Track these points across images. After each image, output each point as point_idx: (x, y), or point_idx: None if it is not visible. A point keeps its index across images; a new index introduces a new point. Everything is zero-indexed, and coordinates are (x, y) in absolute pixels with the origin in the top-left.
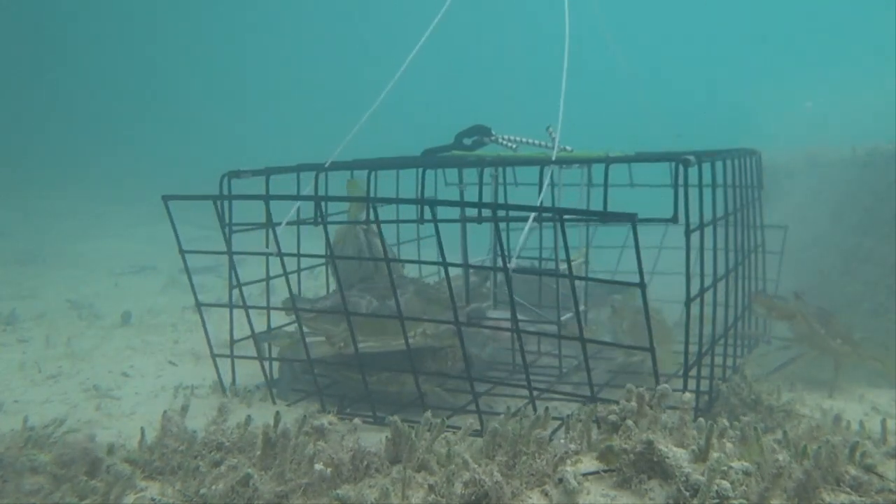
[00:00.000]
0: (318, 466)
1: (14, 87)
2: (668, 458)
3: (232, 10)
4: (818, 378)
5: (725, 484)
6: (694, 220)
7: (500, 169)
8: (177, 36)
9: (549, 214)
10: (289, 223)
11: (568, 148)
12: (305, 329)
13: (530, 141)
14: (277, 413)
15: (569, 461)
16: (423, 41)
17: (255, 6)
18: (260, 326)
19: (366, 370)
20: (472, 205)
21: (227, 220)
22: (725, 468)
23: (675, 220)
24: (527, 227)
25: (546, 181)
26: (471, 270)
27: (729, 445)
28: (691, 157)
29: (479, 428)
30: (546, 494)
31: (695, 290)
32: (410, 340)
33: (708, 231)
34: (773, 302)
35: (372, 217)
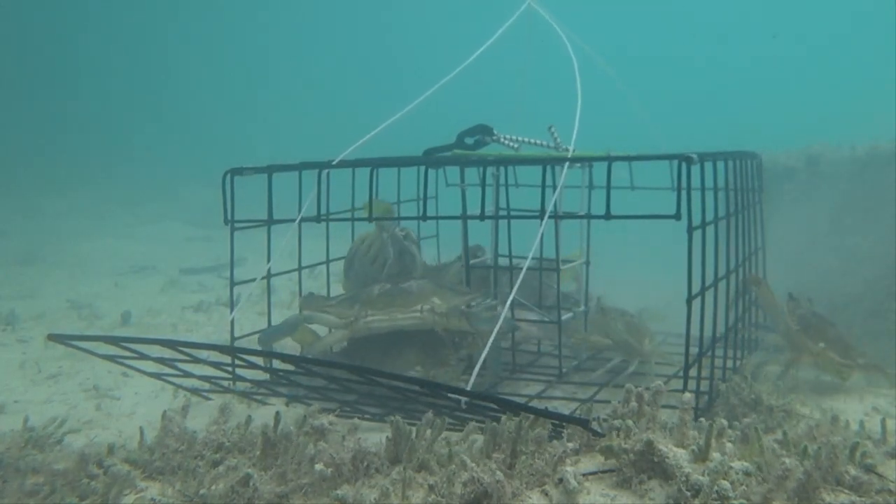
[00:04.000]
0: (319, 466)
1: (14, 87)
2: (668, 458)
3: (231, 9)
4: (819, 379)
5: (725, 484)
6: (696, 221)
7: (502, 169)
8: (177, 36)
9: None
10: (291, 220)
11: (570, 148)
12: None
13: (532, 141)
14: (277, 413)
15: (568, 461)
16: (480, 51)
17: (254, 6)
18: (260, 325)
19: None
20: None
21: (230, 217)
22: (725, 468)
23: (678, 216)
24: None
25: (558, 180)
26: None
27: (729, 445)
28: (694, 156)
29: (481, 427)
30: (546, 494)
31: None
32: (417, 316)
33: (709, 230)
34: (766, 286)
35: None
